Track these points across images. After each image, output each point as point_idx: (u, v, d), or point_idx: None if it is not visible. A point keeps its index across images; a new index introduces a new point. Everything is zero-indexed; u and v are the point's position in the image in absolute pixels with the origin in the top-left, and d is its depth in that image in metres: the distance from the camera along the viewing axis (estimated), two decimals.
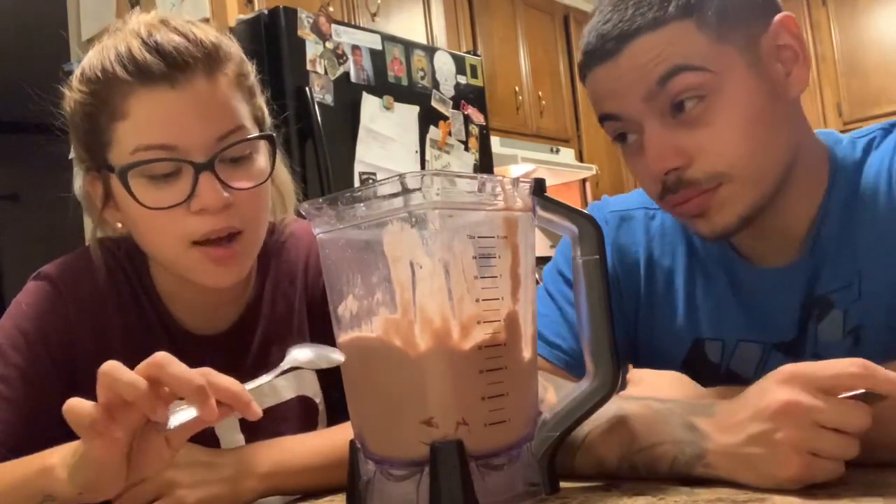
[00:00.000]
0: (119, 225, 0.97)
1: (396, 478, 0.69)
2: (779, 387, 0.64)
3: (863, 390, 0.63)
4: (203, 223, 0.89)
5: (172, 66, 0.86)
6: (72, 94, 0.93)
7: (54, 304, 0.96)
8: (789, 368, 0.65)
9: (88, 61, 0.91)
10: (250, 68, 0.97)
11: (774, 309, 0.92)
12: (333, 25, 2.70)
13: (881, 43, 4.68)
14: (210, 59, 0.89)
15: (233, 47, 0.94)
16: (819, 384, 0.63)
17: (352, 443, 0.72)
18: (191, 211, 0.88)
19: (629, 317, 1.02)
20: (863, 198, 0.88)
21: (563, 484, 0.73)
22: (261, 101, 0.98)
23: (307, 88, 2.55)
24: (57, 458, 0.74)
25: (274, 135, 0.96)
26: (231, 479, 0.84)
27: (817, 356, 0.87)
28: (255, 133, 0.93)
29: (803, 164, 0.88)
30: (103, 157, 0.91)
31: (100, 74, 0.89)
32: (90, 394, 0.96)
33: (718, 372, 0.95)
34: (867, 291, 0.86)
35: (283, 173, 1.06)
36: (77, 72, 0.92)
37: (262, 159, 0.94)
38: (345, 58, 2.71)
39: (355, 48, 2.75)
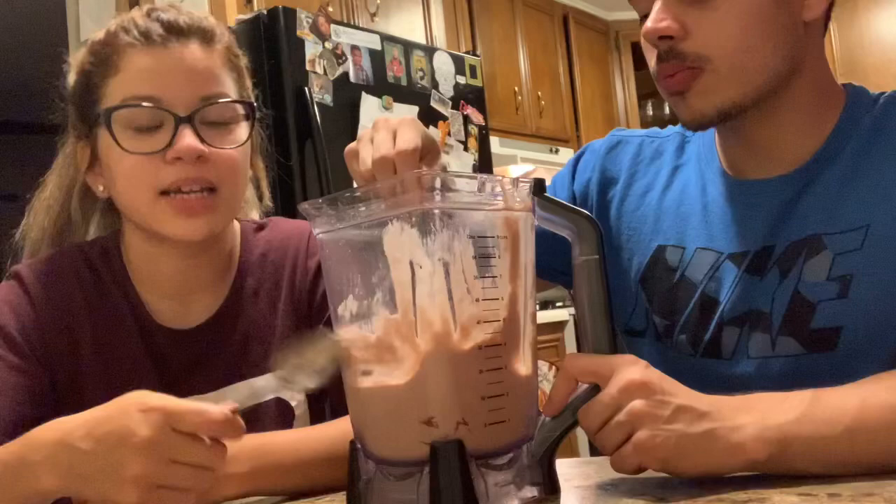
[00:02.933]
0: (101, 188, 1.00)
1: (396, 478, 0.69)
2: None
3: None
4: (175, 171, 0.92)
5: (169, 30, 0.95)
6: (73, 62, 0.99)
7: (24, 302, 0.98)
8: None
9: (94, 36, 0.98)
10: (242, 56, 1.03)
11: (741, 218, 0.94)
12: (333, 25, 2.70)
13: (881, 43, 4.68)
14: (205, 32, 0.97)
15: (227, 33, 1.01)
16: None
17: (352, 443, 0.72)
18: (166, 161, 0.92)
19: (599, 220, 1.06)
20: (883, 149, 0.88)
21: (562, 484, 0.73)
22: (249, 85, 1.04)
23: (306, 88, 2.55)
24: (45, 465, 0.73)
25: (255, 104, 1.01)
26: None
27: (798, 291, 0.88)
28: (239, 107, 0.98)
29: (809, 87, 0.91)
30: (94, 112, 0.96)
31: (103, 39, 0.96)
32: (66, 390, 0.96)
33: (672, 278, 0.97)
34: (872, 244, 0.86)
35: (258, 160, 1.10)
36: (81, 49, 0.99)
37: (241, 131, 0.98)
38: (344, 58, 2.71)
39: (354, 48, 2.75)
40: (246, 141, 0.98)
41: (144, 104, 0.92)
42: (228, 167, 0.95)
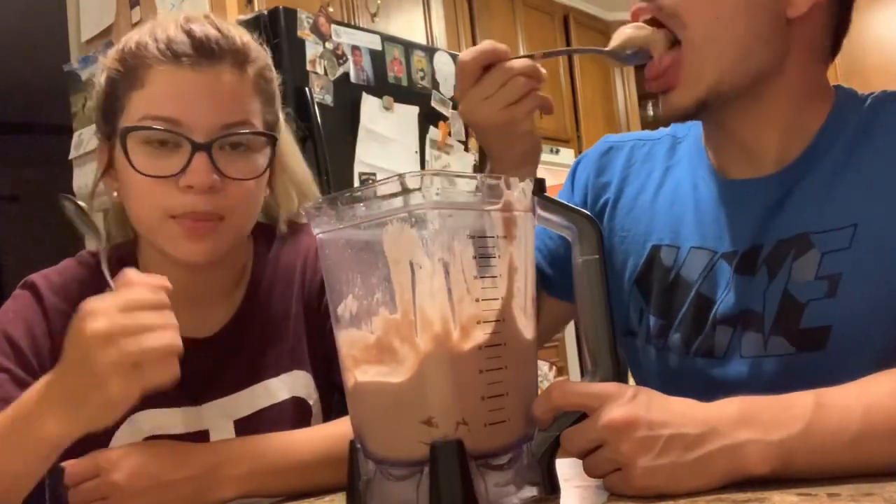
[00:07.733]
0: (115, 193, 0.99)
1: (396, 478, 0.69)
2: None
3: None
4: (186, 201, 0.91)
5: (199, 50, 0.91)
6: (104, 62, 0.98)
7: (37, 314, 0.98)
8: None
9: (127, 37, 0.96)
10: (274, 76, 1.01)
11: (730, 217, 0.94)
12: (333, 26, 2.70)
13: (881, 43, 4.68)
14: (237, 54, 0.93)
15: (261, 53, 0.98)
16: None
17: (352, 443, 0.72)
18: (178, 187, 0.90)
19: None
20: (871, 148, 0.88)
21: (562, 484, 0.73)
22: (278, 109, 1.02)
23: (307, 89, 2.55)
24: (47, 412, 0.77)
25: (277, 137, 0.98)
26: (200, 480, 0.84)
27: (787, 291, 0.88)
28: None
29: (794, 87, 0.91)
30: (115, 123, 0.95)
31: (133, 47, 0.93)
32: None
33: (668, 277, 0.97)
34: (860, 243, 0.85)
35: (302, 171, 1.09)
36: (115, 47, 0.98)
37: (260, 158, 0.96)
38: (344, 58, 2.71)
39: (355, 49, 2.75)
40: (264, 172, 0.96)
41: (161, 126, 0.90)
42: (240, 198, 0.94)
